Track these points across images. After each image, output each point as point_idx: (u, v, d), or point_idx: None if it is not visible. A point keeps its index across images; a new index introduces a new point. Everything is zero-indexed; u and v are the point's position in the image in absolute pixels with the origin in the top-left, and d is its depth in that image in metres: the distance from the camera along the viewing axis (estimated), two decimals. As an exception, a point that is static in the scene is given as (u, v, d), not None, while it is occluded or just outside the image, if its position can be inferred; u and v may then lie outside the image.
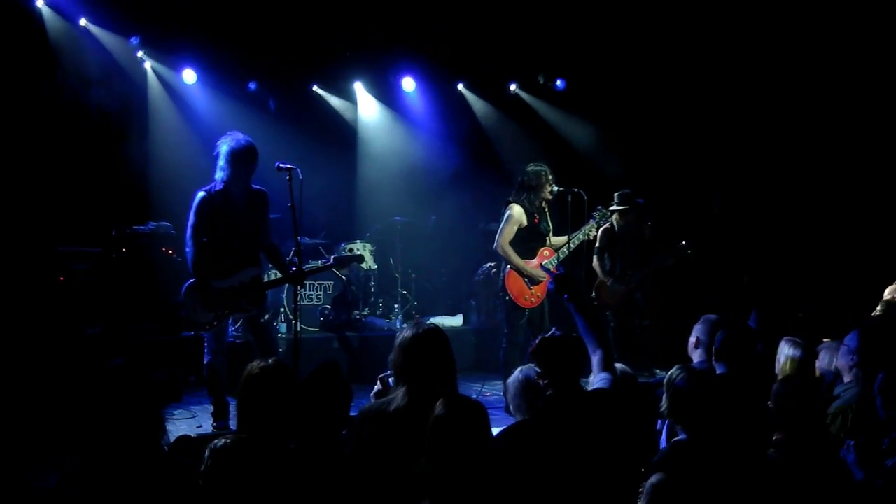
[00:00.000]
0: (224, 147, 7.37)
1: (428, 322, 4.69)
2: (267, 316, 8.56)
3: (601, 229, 9.89)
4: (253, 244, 7.58)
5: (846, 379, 5.61)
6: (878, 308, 8.00)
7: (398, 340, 4.50)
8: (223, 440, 3.87)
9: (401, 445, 4.11)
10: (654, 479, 3.65)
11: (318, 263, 8.89)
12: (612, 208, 9.96)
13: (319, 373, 4.26)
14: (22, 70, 10.49)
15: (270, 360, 4.22)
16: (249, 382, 4.12)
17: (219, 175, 7.38)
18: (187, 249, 7.43)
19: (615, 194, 10.17)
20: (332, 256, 8.06)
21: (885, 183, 10.89)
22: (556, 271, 5.22)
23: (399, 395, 4.36)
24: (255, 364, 4.18)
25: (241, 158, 7.34)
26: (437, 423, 3.59)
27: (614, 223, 10.17)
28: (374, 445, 4.19)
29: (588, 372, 4.82)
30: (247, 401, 4.12)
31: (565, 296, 5.02)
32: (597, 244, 10.17)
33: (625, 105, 12.41)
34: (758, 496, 3.78)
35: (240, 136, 7.43)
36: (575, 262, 9.12)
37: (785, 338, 5.76)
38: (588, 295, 10.24)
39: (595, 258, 10.24)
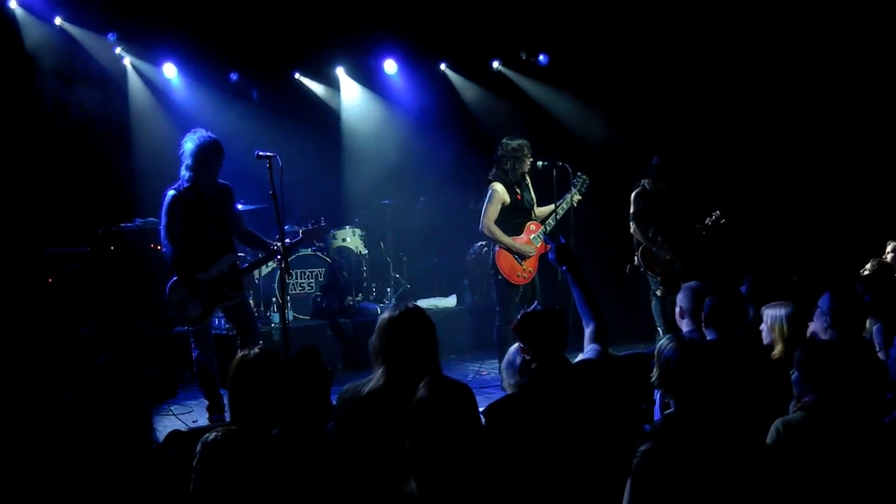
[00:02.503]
0: (189, 145, 7.42)
1: (411, 303, 4.67)
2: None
3: (633, 193, 9.83)
4: (226, 234, 7.68)
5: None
6: (869, 266, 8.01)
7: (378, 322, 4.50)
8: (214, 433, 3.87)
9: (376, 427, 4.10)
10: (643, 447, 3.65)
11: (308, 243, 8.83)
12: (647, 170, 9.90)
13: (298, 358, 4.25)
14: (-1, 73, 10.45)
15: (258, 349, 4.19)
16: (238, 373, 4.08)
17: (185, 173, 7.44)
18: (164, 249, 7.52)
19: (654, 157, 9.99)
20: (301, 230, 8.05)
21: (877, 148, 10.89)
22: (557, 242, 5.19)
23: (375, 377, 4.36)
24: (242, 353, 4.14)
25: (207, 155, 7.41)
26: (419, 406, 3.57)
27: (647, 187, 9.94)
28: (350, 427, 4.18)
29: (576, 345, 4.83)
30: (237, 391, 4.09)
31: (563, 266, 5.00)
32: (631, 209, 9.90)
33: (609, 77, 12.35)
34: (751, 464, 3.76)
35: (203, 132, 7.48)
36: (563, 233, 9.02)
37: (765, 306, 5.76)
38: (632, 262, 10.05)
39: (633, 224, 9.90)
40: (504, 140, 8.88)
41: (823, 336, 5.68)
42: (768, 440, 4.23)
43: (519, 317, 4.46)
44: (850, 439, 4.11)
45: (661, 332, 9.81)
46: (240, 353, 4.12)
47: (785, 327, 5.53)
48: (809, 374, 4.37)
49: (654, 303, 9.99)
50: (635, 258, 9.96)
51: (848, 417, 4.20)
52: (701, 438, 3.71)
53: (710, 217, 9.83)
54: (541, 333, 4.35)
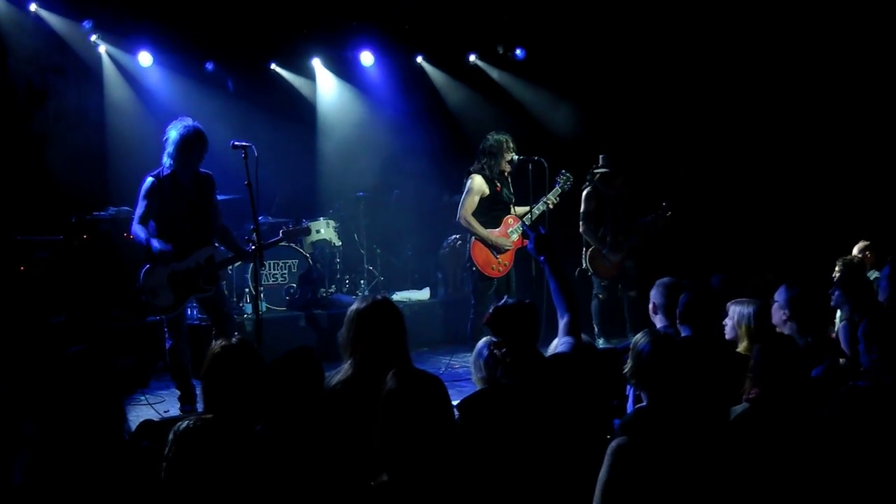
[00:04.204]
0: (173, 133, 7.36)
1: (380, 295, 4.67)
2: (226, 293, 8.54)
3: (585, 192, 9.73)
4: (205, 225, 7.61)
5: (784, 333, 5.72)
6: (837, 267, 8.08)
7: (347, 314, 4.50)
8: (187, 422, 3.83)
9: (344, 418, 4.10)
10: (614, 442, 3.65)
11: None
12: (597, 170, 9.81)
13: (292, 355, 4.21)
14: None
15: (234, 339, 4.16)
16: (213, 362, 4.04)
17: (166, 161, 7.38)
18: (133, 232, 7.49)
19: (600, 156, 9.93)
20: (281, 230, 8.03)
21: (850, 145, 10.91)
22: (537, 231, 5.19)
23: (344, 368, 4.36)
24: (218, 343, 4.09)
25: (190, 145, 7.34)
26: (388, 398, 3.55)
27: (599, 186, 9.84)
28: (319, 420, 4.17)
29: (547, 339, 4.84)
30: (211, 381, 4.05)
31: (542, 257, 5.01)
32: (582, 208, 9.80)
33: (585, 72, 12.35)
34: (720, 457, 3.77)
35: (189, 121, 7.42)
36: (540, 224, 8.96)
37: (730, 302, 5.81)
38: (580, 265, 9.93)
39: (582, 224, 9.81)
40: (489, 134, 8.90)
41: (783, 329, 5.76)
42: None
43: (491, 311, 4.46)
44: (788, 433, 4.11)
45: (596, 331, 9.87)
46: (215, 343, 4.09)
47: (752, 325, 5.57)
48: (762, 368, 4.38)
49: (594, 304, 9.99)
50: (583, 261, 9.88)
51: (788, 412, 4.20)
52: (673, 433, 3.72)
53: (657, 211, 9.77)
54: (513, 327, 4.35)
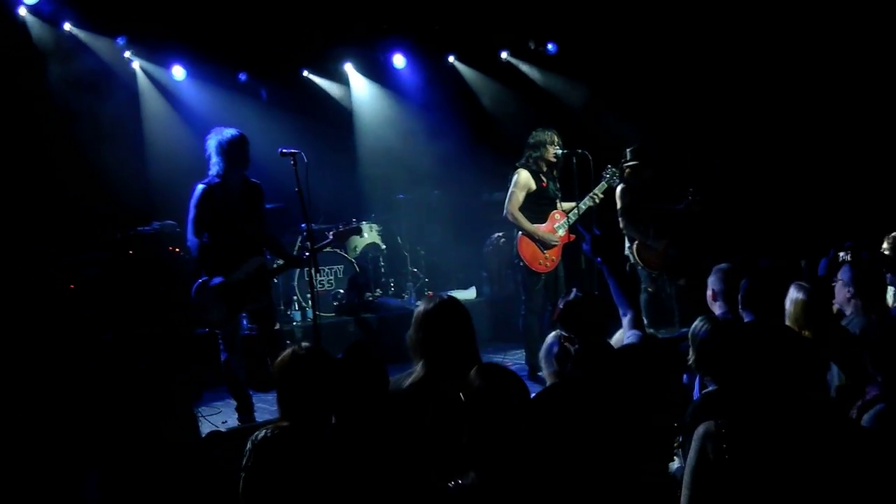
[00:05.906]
0: (212, 142, 7.36)
1: (446, 295, 4.66)
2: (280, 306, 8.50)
3: (619, 189, 9.52)
4: (254, 235, 7.56)
5: (847, 311, 5.76)
6: (886, 244, 7.97)
7: (414, 316, 4.49)
8: (264, 431, 3.82)
9: (419, 419, 4.09)
10: (702, 428, 3.58)
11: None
12: (626, 164, 9.69)
13: (352, 353, 4.20)
14: (9, 79, 10.37)
15: (305, 345, 4.13)
16: (289, 368, 4.00)
17: (213, 170, 7.36)
18: (189, 243, 7.41)
19: (627, 150, 9.75)
20: (331, 232, 7.97)
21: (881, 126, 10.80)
22: (592, 233, 5.15)
23: (416, 370, 4.35)
24: (295, 349, 4.09)
25: (232, 149, 7.32)
26: (476, 394, 3.52)
27: (630, 180, 9.62)
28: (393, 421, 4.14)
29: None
30: (288, 388, 4.01)
31: (598, 258, 4.97)
32: (619, 205, 9.59)
33: (617, 63, 12.28)
34: (836, 446, 3.62)
35: (226, 129, 7.40)
36: (587, 222, 8.90)
37: (793, 283, 5.75)
38: (627, 260, 9.73)
39: (622, 220, 9.59)
40: (535, 129, 8.90)
41: (846, 307, 5.75)
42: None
43: (561, 306, 4.43)
44: None
45: (646, 322, 9.61)
46: (289, 350, 4.06)
47: (796, 310, 5.52)
48: (882, 359, 4.12)
49: (643, 297, 9.78)
50: (630, 256, 9.69)
51: None
52: (760, 417, 3.63)
53: (687, 198, 9.61)
54: (584, 320, 4.32)
